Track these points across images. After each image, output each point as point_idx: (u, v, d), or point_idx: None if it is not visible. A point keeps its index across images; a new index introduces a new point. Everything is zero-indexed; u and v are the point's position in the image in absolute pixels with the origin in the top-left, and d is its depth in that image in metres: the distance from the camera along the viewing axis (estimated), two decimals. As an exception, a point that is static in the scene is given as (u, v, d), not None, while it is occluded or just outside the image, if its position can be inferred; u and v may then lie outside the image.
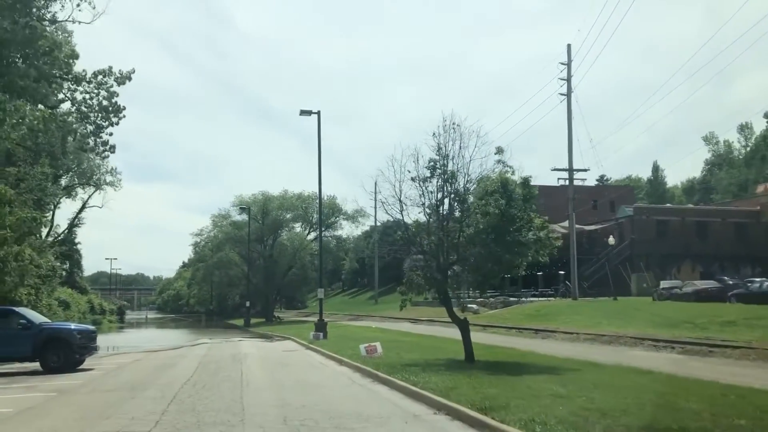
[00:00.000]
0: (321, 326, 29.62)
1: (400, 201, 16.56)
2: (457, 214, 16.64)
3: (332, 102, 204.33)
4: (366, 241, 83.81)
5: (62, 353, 17.51)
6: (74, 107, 22.95)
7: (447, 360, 16.86)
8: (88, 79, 22.79)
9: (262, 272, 62.95)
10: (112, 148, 24.42)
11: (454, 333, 31.51)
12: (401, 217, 16.84)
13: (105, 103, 23.25)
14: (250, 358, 21.60)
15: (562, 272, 47.87)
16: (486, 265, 15.68)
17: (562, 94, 45.10)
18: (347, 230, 79.30)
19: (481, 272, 15.93)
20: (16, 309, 17.98)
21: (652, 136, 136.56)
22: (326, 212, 62.69)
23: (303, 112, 31.45)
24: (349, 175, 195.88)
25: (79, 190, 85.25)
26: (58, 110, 24.11)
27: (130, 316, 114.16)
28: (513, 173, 16.05)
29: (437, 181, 16.53)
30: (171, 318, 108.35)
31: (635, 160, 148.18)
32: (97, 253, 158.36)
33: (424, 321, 46.45)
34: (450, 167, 16.37)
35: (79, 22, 21.83)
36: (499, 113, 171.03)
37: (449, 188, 16.47)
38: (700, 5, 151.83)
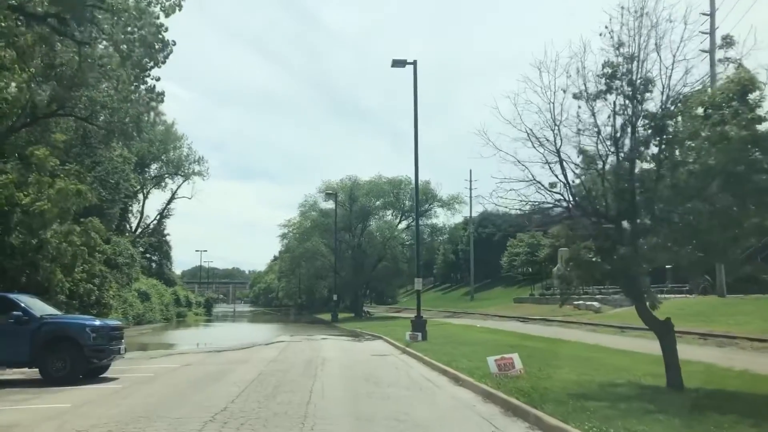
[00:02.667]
0: (419, 325, 23.81)
1: (557, 128, 10.34)
2: (651, 150, 10.17)
3: (420, 96, 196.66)
4: (461, 232, 77.26)
5: (69, 357, 12.58)
6: (110, 42, 18.19)
7: (630, 384, 10.59)
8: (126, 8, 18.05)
9: (350, 263, 58.06)
10: (161, 96, 19.68)
11: (593, 337, 25.08)
12: (558, 159, 10.58)
13: (149, 38, 18.48)
14: (329, 366, 16.08)
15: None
16: (710, 231, 9.15)
17: (703, 51, 36.87)
18: (442, 218, 73.29)
19: (703, 241, 9.41)
20: (10, 296, 13.18)
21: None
22: (420, 198, 56.88)
23: (396, 63, 25.79)
24: (437, 171, 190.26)
25: (168, 180, 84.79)
26: (94, 50, 19.55)
27: (219, 308, 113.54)
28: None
29: (617, 98, 10.23)
30: (260, 311, 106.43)
31: None
32: (193, 248, 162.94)
33: (537, 320, 39.78)
34: (638, 75, 10.05)
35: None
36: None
37: (636, 109, 10.13)
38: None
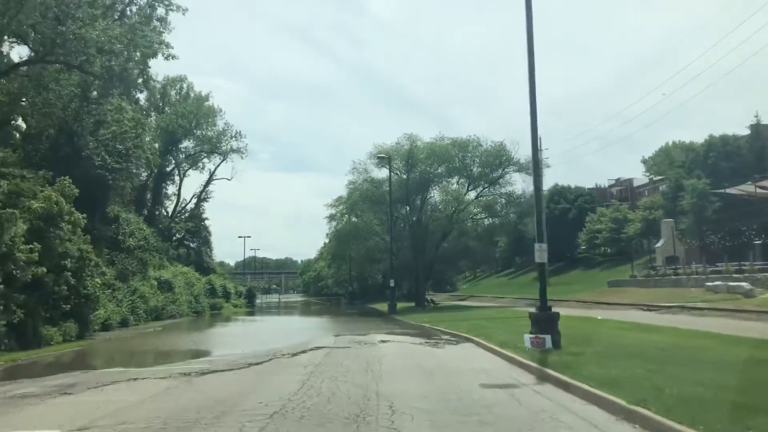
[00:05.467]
0: (547, 321, 14.13)
1: None
2: None
3: (468, 85, 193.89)
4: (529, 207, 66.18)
5: None
6: None
7: None
8: None
9: (408, 242, 48.34)
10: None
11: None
12: None
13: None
14: (406, 423, 6.65)
15: None
16: None
17: None
18: (519, 185, 62.57)
19: None
20: None
21: None
22: (492, 162, 46.75)
23: None
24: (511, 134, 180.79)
25: (206, 161, 76.90)
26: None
27: (266, 299, 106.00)
28: None
29: None
30: (308, 302, 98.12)
31: None
32: (246, 241, 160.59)
33: (661, 308, 29.50)
34: None
35: None
36: (648, 87, 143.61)
37: None
38: None
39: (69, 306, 22.88)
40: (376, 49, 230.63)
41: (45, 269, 21.77)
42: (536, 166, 14.79)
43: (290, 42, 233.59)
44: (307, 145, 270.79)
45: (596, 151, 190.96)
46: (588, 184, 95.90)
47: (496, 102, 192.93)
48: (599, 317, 24.58)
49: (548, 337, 13.91)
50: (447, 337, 20.60)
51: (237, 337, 27.72)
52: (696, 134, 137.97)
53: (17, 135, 33.74)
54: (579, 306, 36.47)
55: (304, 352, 16.57)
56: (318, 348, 17.51)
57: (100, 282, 25.62)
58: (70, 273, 23.00)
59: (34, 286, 21.56)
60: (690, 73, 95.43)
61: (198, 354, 17.83)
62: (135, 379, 11.77)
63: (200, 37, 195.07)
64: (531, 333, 14.28)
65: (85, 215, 25.76)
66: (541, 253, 14.67)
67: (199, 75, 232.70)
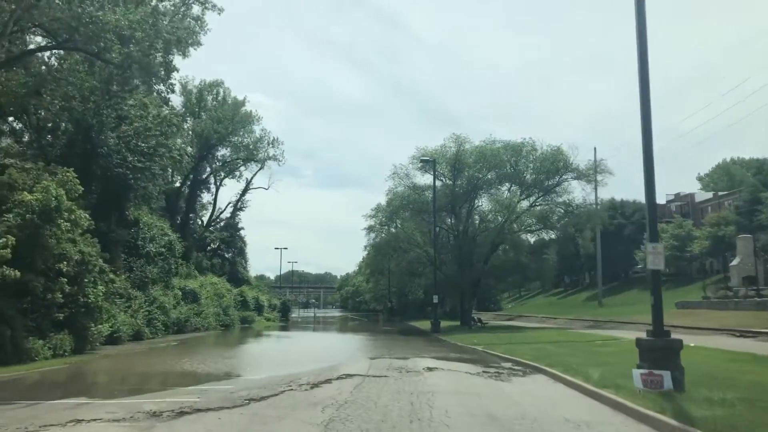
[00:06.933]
0: (664, 351, 10.15)
1: None
2: None
3: (509, 101, 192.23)
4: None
5: None
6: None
7: None
8: None
9: (453, 255, 44.20)
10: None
11: None
12: None
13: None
14: None
15: None
16: None
17: None
18: (578, 193, 57.82)
19: None
20: None
21: None
22: (547, 168, 42.42)
23: None
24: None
25: (242, 169, 74.43)
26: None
27: (303, 313, 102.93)
28: None
29: None
30: (345, 317, 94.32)
31: None
32: (284, 253, 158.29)
33: (759, 334, 24.83)
34: None
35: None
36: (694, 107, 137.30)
37: None
38: None
39: (62, 316, 19.71)
40: (416, 65, 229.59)
41: (33, 273, 18.78)
42: (646, 134, 10.78)
43: (330, 58, 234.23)
44: (347, 162, 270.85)
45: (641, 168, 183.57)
46: (639, 199, 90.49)
47: (539, 118, 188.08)
48: (692, 344, 20.16)
49: (667, 374, 9.91)
50: (509, 365, 16.57)
51: (256, 356, 24.12)
52: (752, 151, 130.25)
53: (30, 128, 31.21)
54: (640, 329, 31.81)
55: (328, 381, 12.83)
56: (347, 376, 13.73)
57: (104, 290, 22.37)
58: (66, 279, 19.85)
59: (20, 292, 18.50)
60: (744, 91, 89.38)
61: (197, 379, 14.24)
62: (78, 422, 8.21)
63: (243, 55, 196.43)
64: (641, 368, 10.27)
65: (89, 214, 22.75)
66: (655, 256, 10.65)
67: (240, 91, 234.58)
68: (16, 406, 9.89)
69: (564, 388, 11.92)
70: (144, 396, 11.24)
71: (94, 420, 8.37)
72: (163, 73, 30.52)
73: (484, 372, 14.77)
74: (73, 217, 20.80)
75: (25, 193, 19.57)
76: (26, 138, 32.61)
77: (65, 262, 19.99)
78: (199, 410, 9.15)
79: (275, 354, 24.65)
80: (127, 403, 10.01)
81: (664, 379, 9.88)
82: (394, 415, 8.81)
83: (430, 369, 15.39)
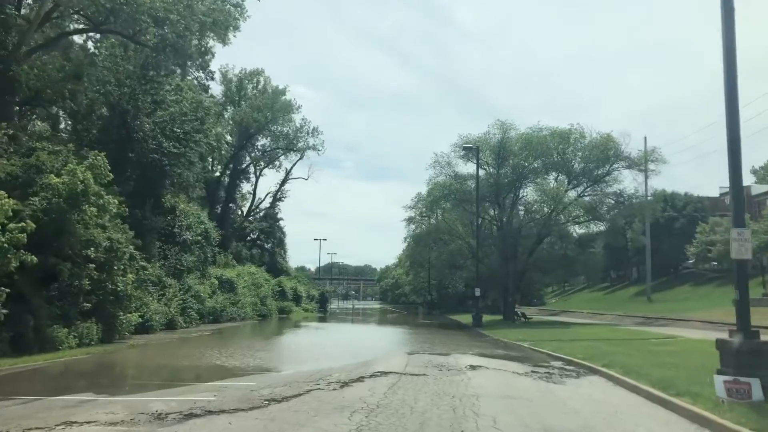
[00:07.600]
0: (753, 355, 8.54)
1: None
2: None
3: (554, 93, 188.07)
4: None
5: None
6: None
7: None
8: None
9: (496, 247, 42.47)
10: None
11: None
12: None
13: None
14: None
15: None
16: None
17: None
18: (629, 182, 55.20)
19: None
20: None
21: None
22: (597, 156, 40.29)
23: None
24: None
25: (282, 158, 73.97)
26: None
27: (343, 304, 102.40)
28: None
29: None
30: (384, 309, 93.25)
31: None
32: (325, 245, 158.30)
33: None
34: None
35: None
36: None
37: None
38: None
39: (90, 304, 19.03)
40: (460, 57, 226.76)
41: (61, 259, 18.13)
42: (732, 115, 9.18)
43: (374, 51, 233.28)
44: (389, 154, 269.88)
45: (691, 159, 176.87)
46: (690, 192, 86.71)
47: (584, 110, 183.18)
48: None
49: (756, 382, 8.36)
50: (559, 364, 15.09)
51: (288, 349, 23.10)
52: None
53: (66, 114, 30.91)
54: (710, 328, 29.69)
55: (360, 380, 11.62)
56: (382, 374, 12.52)
57: (134, 277, 21.68)
58: (94, 266, 19.16)
59: (46, 279, 17.86)
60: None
61: (220, 374, 13.21)
62: (69, 425, 7.19)
63: (285, 48, 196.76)
64: (723, 373, 8.73)
65: (122, 200, 22.12)
66: (741, 244, 9.05)
67: (281, 83, 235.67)
68: (11, 402, 8.98)
69: (626, 394, 10.44)
70: (156, 393, 10.24)
71: (88, 423, 7.34)
72: (197, 57, 29.89)
73: (533, 372, 13.35)
74: (101, 202, 20.13)
75: (52, 176, 18.94)
76: (62, 124, 32.43)
77: (93, 248, 19.32)
78: (210, 412, 8.05)
79: (307, 347, 23.60)
80: (134, 402, 8.98)
81: (752, 387, 8.35)
82: (433, 424, 7.54)
83: (473, 367, 14.04)
